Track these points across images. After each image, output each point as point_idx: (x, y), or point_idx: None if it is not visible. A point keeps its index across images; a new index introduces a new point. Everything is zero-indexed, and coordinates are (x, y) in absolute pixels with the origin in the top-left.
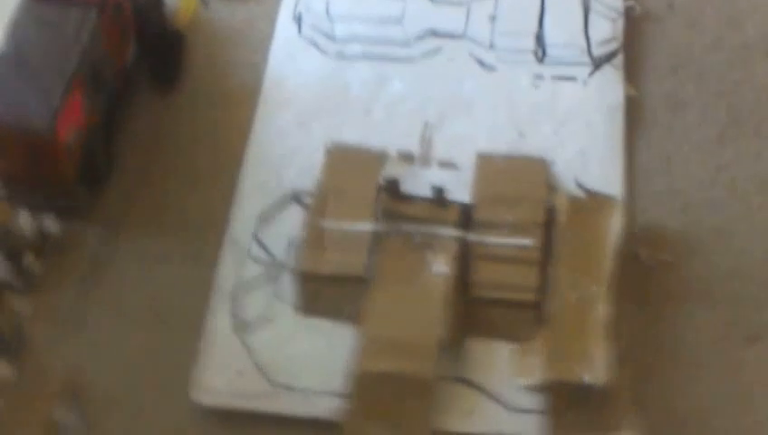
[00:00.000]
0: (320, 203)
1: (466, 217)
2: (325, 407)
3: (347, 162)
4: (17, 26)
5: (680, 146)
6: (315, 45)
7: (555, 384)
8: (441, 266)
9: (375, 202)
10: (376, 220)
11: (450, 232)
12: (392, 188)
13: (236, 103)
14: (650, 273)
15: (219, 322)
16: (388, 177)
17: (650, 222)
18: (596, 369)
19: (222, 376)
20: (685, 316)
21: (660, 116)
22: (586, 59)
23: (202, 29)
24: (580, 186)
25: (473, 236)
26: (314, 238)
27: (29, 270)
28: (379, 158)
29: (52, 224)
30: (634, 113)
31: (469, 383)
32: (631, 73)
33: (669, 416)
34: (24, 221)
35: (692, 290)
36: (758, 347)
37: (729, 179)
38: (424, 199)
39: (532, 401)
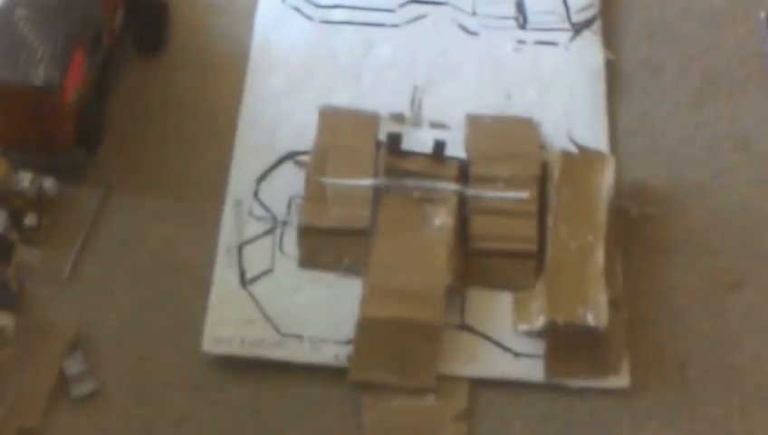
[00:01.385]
0: (318, 161)
1: (464, 172)
2: (332, 354)
3: (341, 122)
4: None
5: (659, 107)
6: (300, 12)
7: (557, 327)
8: (442, 219)
9: (375, 158)
10: (376, 175)
11: (450, 186)
12: (394, 144)
13: (225, 70)
14: (637, 226)
15: (226, 276)
16: (391, 131)
17: (635, 179)
18: (598, 311)
19: (232, 326)
20: (671, 266)
21: (638, 79)
22: (566, 25)
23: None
24: (572, 140)
25: (471, 191)
26: (316, 193)
27: (30, 228)
28: (372, 117)
29: (51, 184)
30: (613, 77)
31: (472, 330)
32: (609, 39)
33: (660, 359)
34: (26, 179)
35: (676, 242)
36: (740, 293)
37: (707, 138)
38: (423, 155)
39: (533, 346)
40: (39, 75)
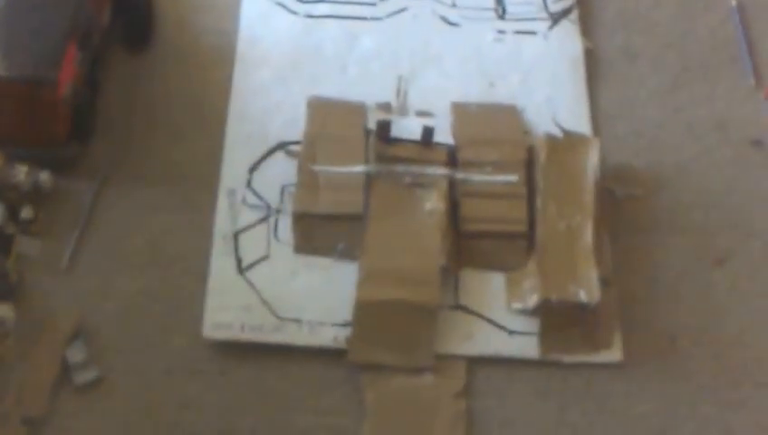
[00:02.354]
0: (309, 150)
1: (452, 158)
2: (331, 336)
3: (329, 112)
4: None
5: (637, 92)
6: (284, 7)
7: (550, 305)
8: (434, 203)
9: (365, 145)
10: (367, 162)
11: (439, 171)
12: (383, 131)
13: (211, 64)
14: (622, 206)
15: (223, 264)
16: (380, 119)
17: (618, 161)
18: (590, 287)
19: (231, 312)
20: (656, 245)
21: (616, 66)
22: (544, 14)
23: None
24: (557, 124)
25: (460, 175)
26: (309, 180)
27: (27, 220)
28: (360, 107)
29: (46, 177)
30: (592, 65)
31: (467, 310)
32: (586, 28)
33: (649, 334)
34: (21, 172)
35: (661, 221)
36: (724, 269)
37: (686, 121)
38: (412, 142)
39: (527, 323)
40: (34, 70)
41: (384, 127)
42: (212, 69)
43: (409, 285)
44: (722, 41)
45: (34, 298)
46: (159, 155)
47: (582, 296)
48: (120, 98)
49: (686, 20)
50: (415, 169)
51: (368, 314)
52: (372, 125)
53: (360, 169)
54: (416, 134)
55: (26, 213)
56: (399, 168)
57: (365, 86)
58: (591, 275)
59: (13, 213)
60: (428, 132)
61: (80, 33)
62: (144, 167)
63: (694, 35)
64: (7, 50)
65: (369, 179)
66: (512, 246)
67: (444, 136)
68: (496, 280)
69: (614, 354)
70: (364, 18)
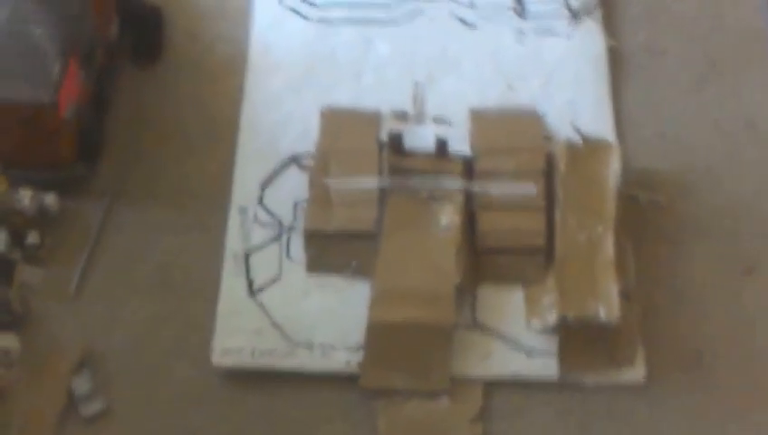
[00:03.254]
0: (321, 164)
1: (469, 168)
2: (344, 360)
3: (343, 123)
4: (5, 2)
5: (663, 91)
6: (297, 13)
7: (570, 321)
8: (449, 217)
9: (378, 158)
10: (381, 176)
11: (455, 183)
12: (396, 143)
13: (222, 75)
14: (646, 214)
15: (233, 285)
16: (392, 131)
17: (642, 165)
18: (610, 304)
19: (241, 337)
20: (682, 254)
21: (640, 64)
22: (565, 13)
23: (180, 4)
24: (576, 129)
25: (477, 187)
26: (320, 196)
27: (33, 246)
28: (374, 116)
29: (51, 199)
30: (615, 63)
31: (483, 329)
32: (609, 26)
33: (674, 350)
34: (26, 197)
35: (687, 228)
36: (754, 278)
37: (714, 120)
38: (426, 153)
39: (546, 342)
40: (33, 93)
41: (396, 139)
42: (223, 79)
43: (423, 305)
44: (751, 34)
45: (41, 327)
46: (169, 172)
47: (602, 313)
48: (129, 113)
49: (713, 13)
50: (430, 181)
51: (380, 337)
52: (387, 135)
53: (373, 182)
54: (432, 143)
55: (32, 238)
56: (414, 180)
57: (380, 93)
58: (612, 290)
59: (18, 238)
60: (442, 144)
61: (82, 49)
62: (153, 185)
63: (721, 29)
64: (4, 70)
65: (384, 194)
66: (530, 260)
67: (461, 144)
68: (515, 296)
69: (637, 372)
70: (379, 22)
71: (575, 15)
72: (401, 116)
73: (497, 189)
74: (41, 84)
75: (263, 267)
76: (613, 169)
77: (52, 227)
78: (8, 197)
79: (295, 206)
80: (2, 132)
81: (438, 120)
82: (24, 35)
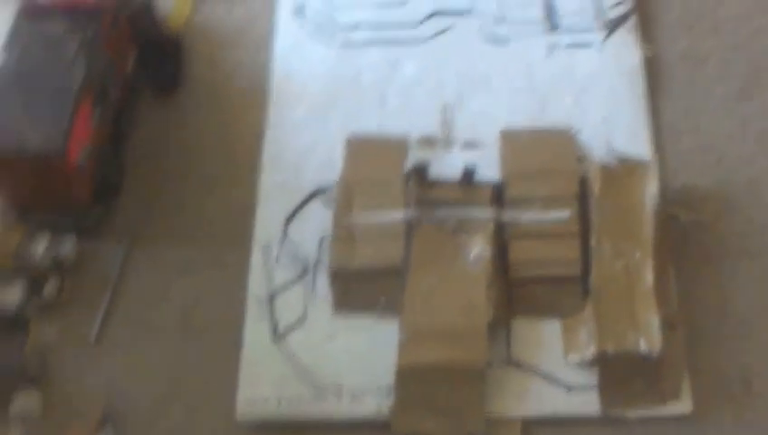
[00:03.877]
0: (346, 197)
1: (498, 196)
2: (374, 406)
3: (368, 152)
4: (14, 45)
5: (704, 102)
6: (320, 36)
7: (609, 356)
8: (479, 248)
9: (404, 190)
10: (407, 208)
11: (484, 213)
12: (421, 173)
13: (244, 104)
14: (688, 233)
15: (257, 330)
16: (417, 161)
17: (682, 182)
18: (651, 336)
19: (266, 385)
20: (726, 274)
21: (680, 74)
22: (599, 24)
23: (200, 31)
24: (611, 151)
25: (507, 215)
26: (344, 233)
27: (50, 296)
28: (401, 144)
29: (68, 245)
30: (653, 74)
31: (519, 365)
32: (646, 34)
33: (722, 377)
34: (41, 246)
35: (730, 247)
36: None
37: (757, 132)
38: (453, 182)
39: (586, 377)
40: (39, 141)
41: (422, 169)
42: (244, 109)
43: (455, 345)
44: None
45: (63, 379)
46: (189, 209)
47: (643, 346)
48: (147, 146)
49: (755, 17)
50: (458, 211)
51: (411, 380)
52: (413, 166)
53: (398, 215)
54: (461, 170)
55: (50, 287)
56: (441, 211)
57: (407, 117)
58: (652, 320)
59: (35, 287)
60: (469, 173)
61: (95, 88)
62: (173, 224)
63: (764, 34)
64: (10, 119)
65: (410, 227)
66: (566, 290)
67: (491, 167)
68: (551, 329)
69: (683, 405)
70: (405, 42)
71: (608, 27)
72: (429, 141)
73: (529, 217)
74: (50, 132)
75: (287, 309)
76: (650, 190)
77: (70, 272)
78: (24, 246)
79: (321, 241)
80: (14, 180)
81: (468, 145)
82: (32, 79)
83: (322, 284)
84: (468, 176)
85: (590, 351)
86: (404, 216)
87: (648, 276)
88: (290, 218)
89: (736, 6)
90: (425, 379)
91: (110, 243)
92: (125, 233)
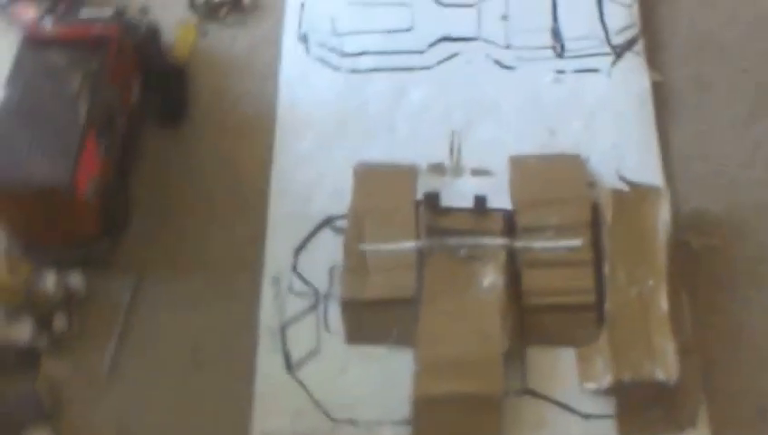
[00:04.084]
0: (356, 227)
1: (510, 223)
2: None
3: (377, 181)
4: (18, 77)
5: (713, 127)
6: (326, 63)
7: (625, 384)
8: (492, 277)
9: (415, 219)
10: (418, 237)
11: (496, 241)
12: (432, 202)
13: (251, 133)
14: (701, 259)
15: (270, 362)
16: (428, 190)
17: (694, 207)
18: (667, 364)
19: (280, 418)
20: (740, 301)
21: (688, 99)
22: (606, 49)
23: (204, 60)
24: (622, 178)
25: (520, 244)
26: (356, 264)
27: (60, 330)
28: (410, 172)
29: (77, 279)
30: (661, 99)
31: (535, 394)
32: (653, 58)
33: (736, 404)
34: (50, 281)
35: (743, 272)
36: None
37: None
38: (464, 210)
39: (602, 405)
40: (46, 173)
41: (432, 199)
42: (251, 139)
43: (469, 375)
44: None
45: (73, 415)
46: (198, 241)
47: (659, 374)
48: (154, 177)
49: (763, 38)
50: (470, 240)
51: (426, 412)
52: (424, 191)
53: (410, 245)
54: (471, 196)
55: (59, 322)
56: (453, 240)
57: (415, 145)
58: (668, 348)
59: (45, 323)
60: (481, 201)
61: (100, 119)
62: (182, 256)
63: None
64: (15, 153)
65: (422, 256)
66: (580, 318)
67: (501, 194)
68: (566, 357)
69: (700, 433)
70: (412, 68)
71: (616, 51)
72: (438, 169)
73: (541, 245)
74: (57, 164)
75: (300, 340)
76: (662, 216)
77: (79, 307)
78: (32, 282)
79: (331, 271)
80: (21, 214)
81: (477, 172)
82: (37, 112)
83: (334, 314)
84: (480, 204)
85: (607, 380)
86: (416, 245)
87: (663, 303)
88: (299, 249)
89: (742, 31)
90: (441, 410)
91: (118, 276)
92: (133, 265)
